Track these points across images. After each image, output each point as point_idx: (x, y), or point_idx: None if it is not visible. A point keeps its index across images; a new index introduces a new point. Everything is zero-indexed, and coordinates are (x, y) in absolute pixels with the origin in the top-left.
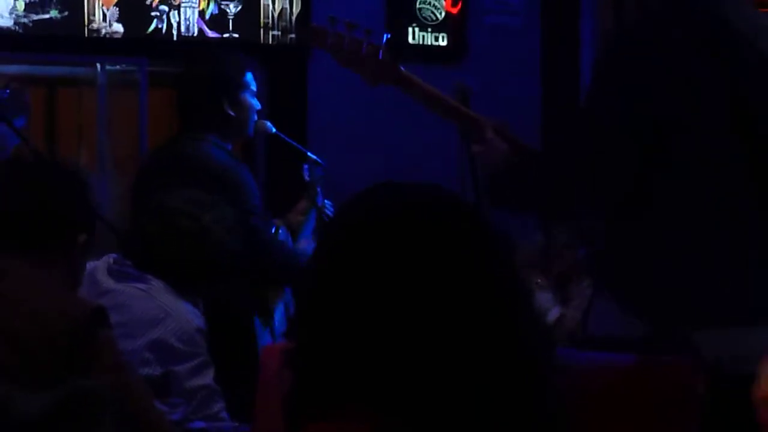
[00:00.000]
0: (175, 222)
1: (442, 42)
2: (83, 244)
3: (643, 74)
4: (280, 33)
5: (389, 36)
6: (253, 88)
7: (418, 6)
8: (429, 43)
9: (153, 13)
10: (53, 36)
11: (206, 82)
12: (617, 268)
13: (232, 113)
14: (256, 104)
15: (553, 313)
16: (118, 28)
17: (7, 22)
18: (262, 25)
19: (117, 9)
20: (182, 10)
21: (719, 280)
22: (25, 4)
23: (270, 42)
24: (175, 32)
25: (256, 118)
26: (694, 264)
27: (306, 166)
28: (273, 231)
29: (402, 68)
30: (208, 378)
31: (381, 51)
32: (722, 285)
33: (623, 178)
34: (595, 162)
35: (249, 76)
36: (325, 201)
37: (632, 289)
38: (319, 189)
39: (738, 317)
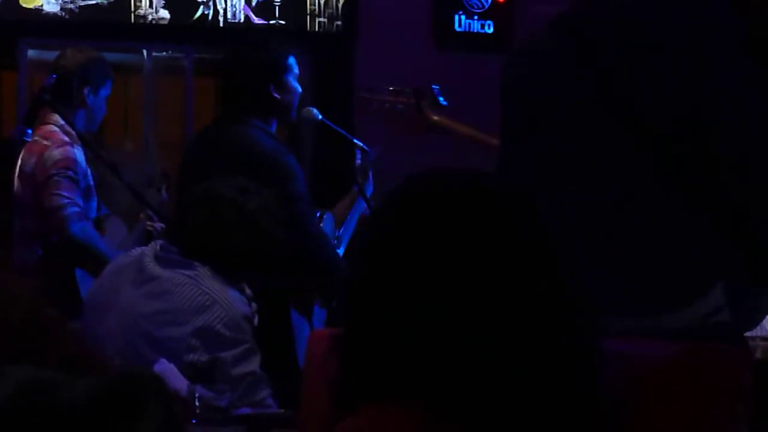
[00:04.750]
0: (221, 210)
1: (488, 30)
2: None
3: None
4: (326, 20)
5: (415, 90)
6: (296, 71)
7: None
8: (475, 31)
9: (199, 0)
10: (100, 22)
11: (252, 65)
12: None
13: (277, 96)
14: (299, 88)
15: None
16: (165, 14)
17: (53, 8)
18: (308, 12)
19: None
20: None
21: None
22: None
23: (316, 29)
24: (221, 19)
25: (297, 102)
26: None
27: (358, 151)
28: (317, 218)
29: (432, 116)
30: (254, 365)
31: (412, 107)
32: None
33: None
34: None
35: (292, 60)
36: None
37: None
38: (370, 174)
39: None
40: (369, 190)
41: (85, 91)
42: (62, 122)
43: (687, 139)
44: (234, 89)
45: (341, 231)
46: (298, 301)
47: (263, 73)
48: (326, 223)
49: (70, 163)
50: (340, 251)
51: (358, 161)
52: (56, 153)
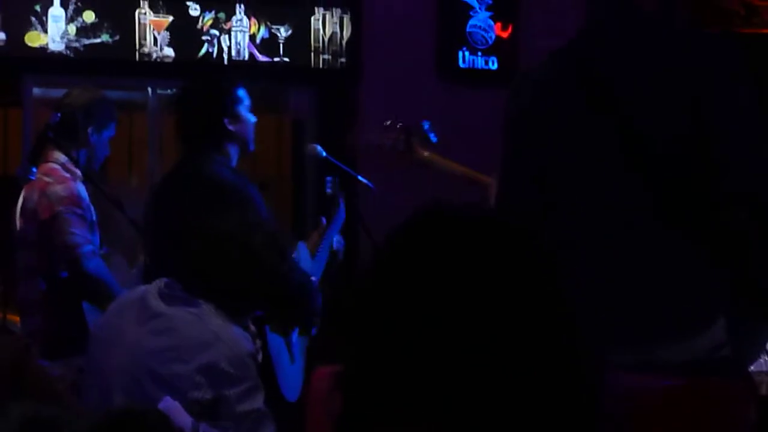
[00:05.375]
0: (225, 247)
1: (492, 66)
2: None
3: (531, 113)
4: (330, 57)
5: (405, 127)
6: (247, 102)
7: (468, 30)
8: (479, 67)
9: (204, 38)
10: (104, 60)
11: (204, 99)
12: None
13: (231, 128)
14: (251, 117)
15: None
16: (169, 52)
17: (58, 46)
18: (312, 49)
19: (168, 33)
20: (233, 34)
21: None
22: (77, 29)
23: (320, 66)
24: (225, 56)
25: (252, 132)
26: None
27: (329, 179)
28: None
29: (422, 152)
30: (258, 402)
31: (397, 144)
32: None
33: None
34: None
35: (242, 91)
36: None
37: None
38: (341, 202)
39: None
40: (341, 219)
41: (89, 130)
42: (64, 160)
43: (688, 158)
44: (190, 125)
45: (314, 260)
46: (276, 325)
47: (215, 106)
48: (301, 252)
49: (75, 199)
50: (315, 279)
51: (329, 190)
52: (60, 189)
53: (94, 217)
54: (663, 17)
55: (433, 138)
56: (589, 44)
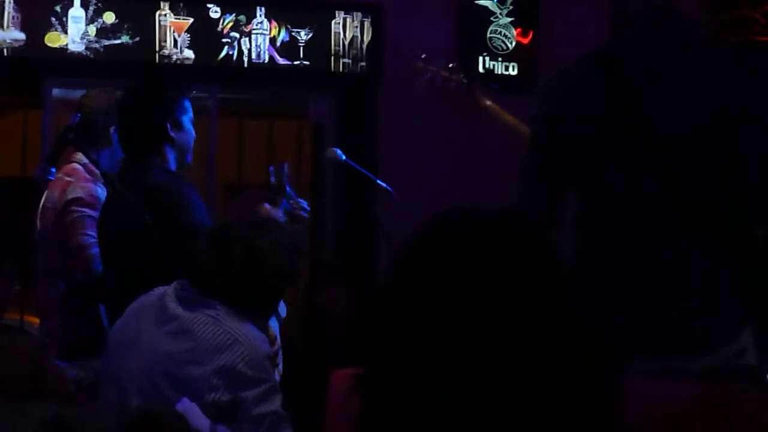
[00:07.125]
0: (231, 248)
1: (512, 71)
2: (7, 273)
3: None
4: (350, 61)
5: (468, 72)
6: (191, 114)
7: (489, 35)
8: (499, 72)
9: (224, 40)
10: (124, 61)
11: (149, 101)
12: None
13: (173, 134)
14: (193, 131)
15: None
16: (189, 54)
17: (78, 47)
18: (332, 52)
19: (188, 35)
20: (253, 37)
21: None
22: (97, 30)
23: (340, 70)
24: (245, 59)
25: (192, 144)
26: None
27: (271, 169)
28: None
29: (485, 100)
30: (275, 404)
31: (464, 88)
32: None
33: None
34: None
35: (187, 102)
36: (299, 200)
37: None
38: (288, 189)
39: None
40: (290, 202)
41: (111, 130)
42: (86, 161)
43: (716, 171)
44: (132, 126)
45: None
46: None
47: (160, 110)
48: None
49: (93, 200)
50: None
51: (273, 179)
52: (79, 190)
53: None
54: (690, 26)
55: (494, 86)
56: (626, 51)
